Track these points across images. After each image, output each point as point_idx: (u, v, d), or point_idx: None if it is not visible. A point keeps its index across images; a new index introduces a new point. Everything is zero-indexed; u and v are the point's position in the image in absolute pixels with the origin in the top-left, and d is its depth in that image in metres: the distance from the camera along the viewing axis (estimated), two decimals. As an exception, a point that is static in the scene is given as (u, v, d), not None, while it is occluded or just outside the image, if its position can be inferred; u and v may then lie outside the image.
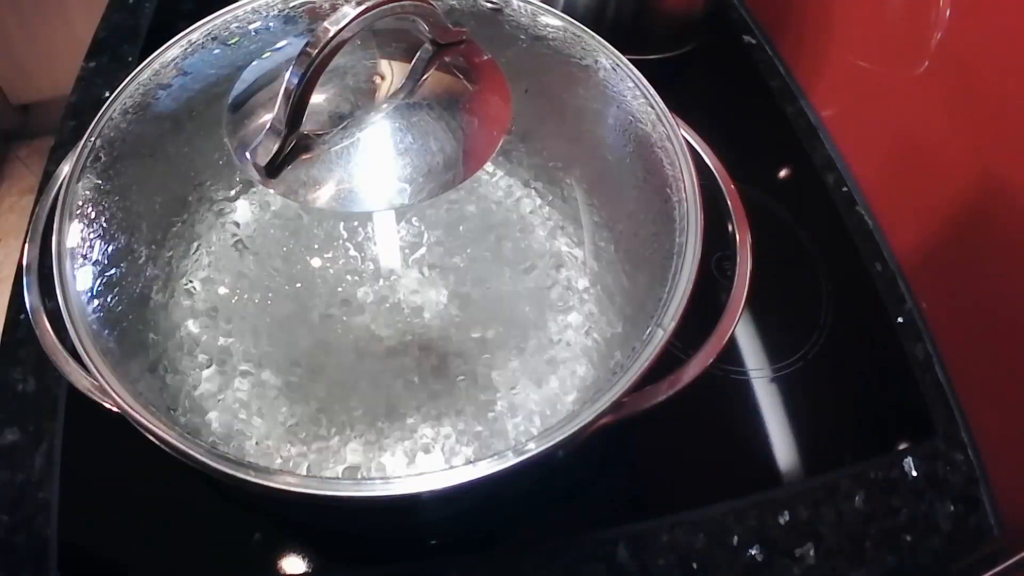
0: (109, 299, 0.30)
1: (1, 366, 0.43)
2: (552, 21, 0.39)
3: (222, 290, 0.33)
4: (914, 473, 0.42)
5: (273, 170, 0.30)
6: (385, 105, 0.32)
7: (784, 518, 0.40)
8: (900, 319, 0.48)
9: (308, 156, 0.30)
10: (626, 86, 0.37)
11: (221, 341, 0.32)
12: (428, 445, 0.31)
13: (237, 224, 0.34)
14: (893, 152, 0.52)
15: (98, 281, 0.30)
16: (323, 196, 0.30)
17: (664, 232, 0.32)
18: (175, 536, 0.38)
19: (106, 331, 0.29)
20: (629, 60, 0.37)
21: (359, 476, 0.30)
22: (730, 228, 0.36)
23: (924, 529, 0.40)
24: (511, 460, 0.26)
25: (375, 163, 0.31)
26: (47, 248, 0.31)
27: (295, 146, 0.30)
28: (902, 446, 0.43)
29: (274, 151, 0.30)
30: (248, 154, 0.31)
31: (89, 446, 0.40)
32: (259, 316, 0.33)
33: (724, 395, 0.44)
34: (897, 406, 0.45)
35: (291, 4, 0.39)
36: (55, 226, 0.31)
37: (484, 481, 0.26)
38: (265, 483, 0.26)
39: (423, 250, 0.33)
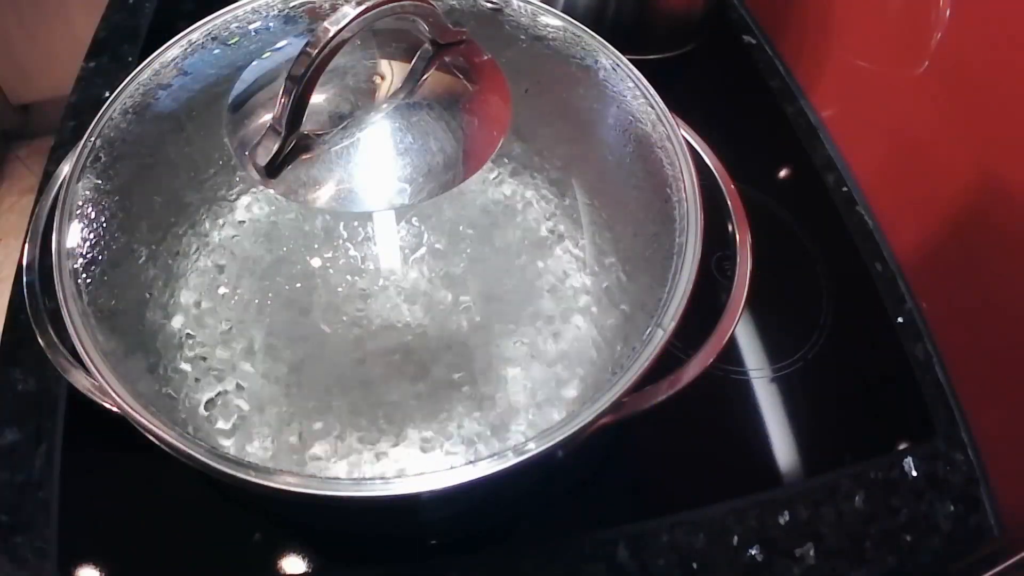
0: (109, 299, 0.30)
1: (1, 366, 0.43)
2: (552, 21, 0.39)
3: (222, 290, 0.33)
4: (914, 473, 0.42)
5: (273, 170, 0.30)
6: (385, 105, 0.32)
7: (784, 518, 0.40)
8: (900, 319, 0.48)
9: (308, 156, 0.30)
10: (626, 86, 0.37)
11: (221, 341, 0.32)
12: (428, 445, 0.31)
13: (237, 224, 0.34)
14: (893, 152, 0.52)
15: (98, 281, 0.30)
16: (323, 196, 0.30)
17: (664, 232, 0.32)
18: (175, 536, 0.38)
19: (106, 331, 0.29)
20: (629, 60, 0.37)
21: (359, 476, 0.30)
22: (730, 228, 0.36)
23: (924, 529, 0.40)
24: (511, 460, 0.26)
25: (375, 163, 0.31)
26: (47, 248, 0.31)
27: (295, 146, 0.30)
28: (902, 446, 0.43)
29: (274, 151, 0.30)
30: (248, 154, 0.31)
31: (89, 446, 0.40)
32: (259, 316, 0.33)
33: (724, 395, 0.44)
34: (897, 406, 0.45)
35: (291, 4, 0.39)
36: (55, 226, 0.31)
37: (484, 481, 0.26)
38: (265, 483, 0.26)
39: (423, 250, 0.33)
